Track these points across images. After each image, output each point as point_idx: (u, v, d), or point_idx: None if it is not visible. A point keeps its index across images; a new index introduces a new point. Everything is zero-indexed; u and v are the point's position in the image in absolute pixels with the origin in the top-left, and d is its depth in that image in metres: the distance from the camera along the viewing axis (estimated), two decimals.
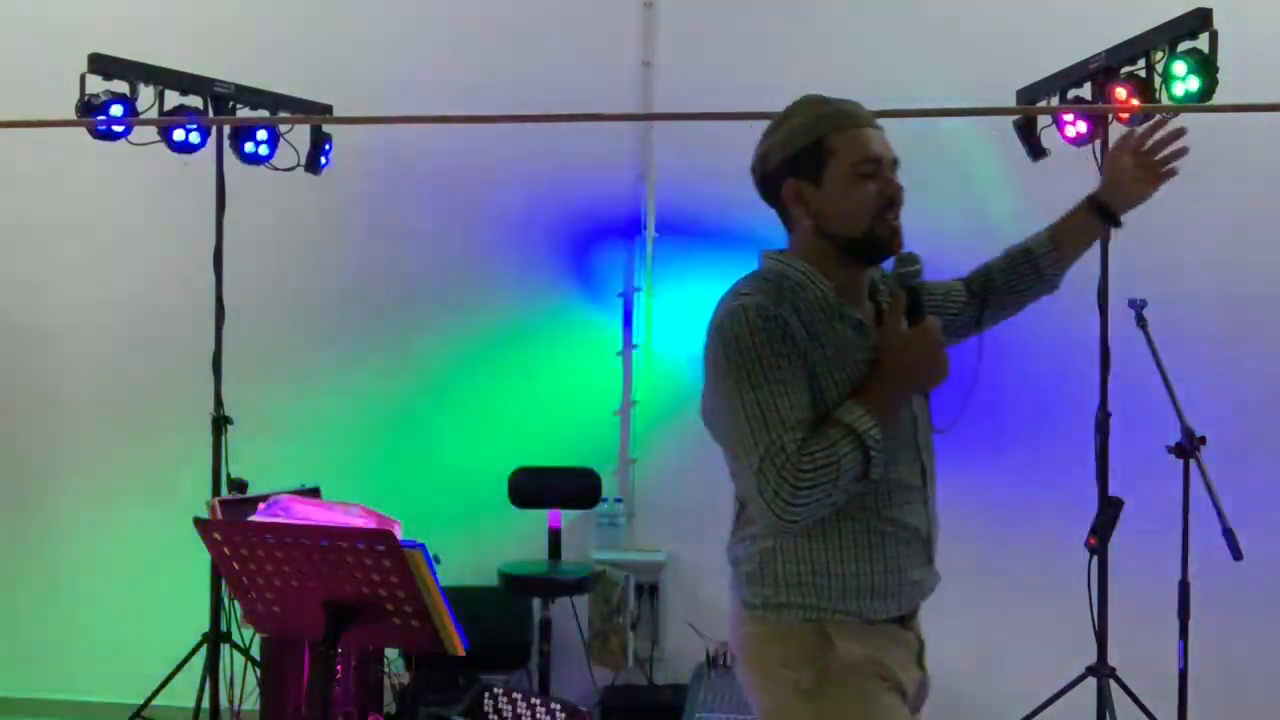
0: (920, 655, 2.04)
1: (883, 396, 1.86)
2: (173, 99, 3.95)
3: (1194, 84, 3.23)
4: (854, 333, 1.94)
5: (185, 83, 3.95)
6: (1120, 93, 3.50)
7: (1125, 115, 3.48)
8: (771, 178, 2.00)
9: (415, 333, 4.53)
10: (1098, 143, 3.68)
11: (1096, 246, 3.66)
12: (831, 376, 1.88)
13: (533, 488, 4.30)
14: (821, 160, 1.94)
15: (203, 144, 4.06)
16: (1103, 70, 3.58)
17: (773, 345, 1.84)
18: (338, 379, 4.57)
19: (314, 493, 3.52)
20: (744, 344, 1.85)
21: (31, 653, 4.61)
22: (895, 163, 1.98)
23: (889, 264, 2.01)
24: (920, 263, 1.96)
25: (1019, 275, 2.31)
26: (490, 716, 3.65)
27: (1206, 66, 3.21)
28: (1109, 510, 3.55)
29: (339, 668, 3.37)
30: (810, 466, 1.78)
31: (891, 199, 1.93)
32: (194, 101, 3.99)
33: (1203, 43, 3.25)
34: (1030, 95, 3.87)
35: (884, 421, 1.84)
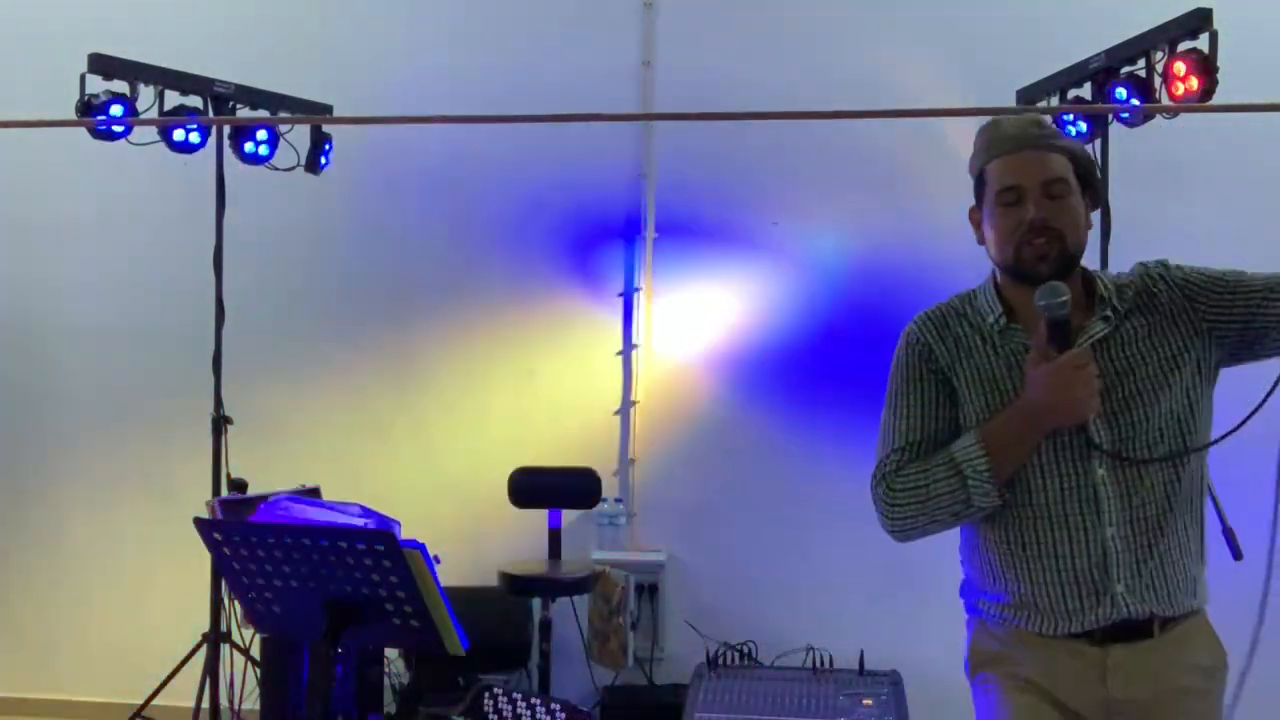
0: (1105, 675, 1.96)
1: (1006, 428, 1.94)
2: (173, 99, 3.95)
3: (1194, 84, 3.23)
4: (1011, 355, 2.02)
5: (185, 83, 3.95)
6: (1120, 93, 3.50)
7: (1125, 115, 3.48)
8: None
9: (415, 332, 4.53)
10: (1098, 143, 3.68)
11: (1097, 246, 3.67)
12: (972, 401, 1.99)
13: (533, 488, 4.29)
14: (982, 189, 2.05)
15: (203, 144, 4.06)
16: (1103, 70, 3.58)
17: (909, 370, 2.06)
18: (338, 379, 4.57)
19: (314, 493, 3.52)
20: (893, 366, 2.10)
21: (31, 653, 4.62)
22: (1054, 183, 1.97)
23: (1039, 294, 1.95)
24: (1065, 293, 1.92)
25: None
26: (490, 716, 3.65)
27: (1206, 66, 3.21)
28: None
29: (339, 668, 3.37)
30: (901, 486, 2.00)
31: (1031, 225, 1.95)
32: (194, 101, 3.99)
33: (1203, 43, 3.25)
34: (1030, 95, 3.87)
35: (1004, 453, 1.93)
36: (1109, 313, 2.01)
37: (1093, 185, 2.05)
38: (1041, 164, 1.97)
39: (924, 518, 1.99)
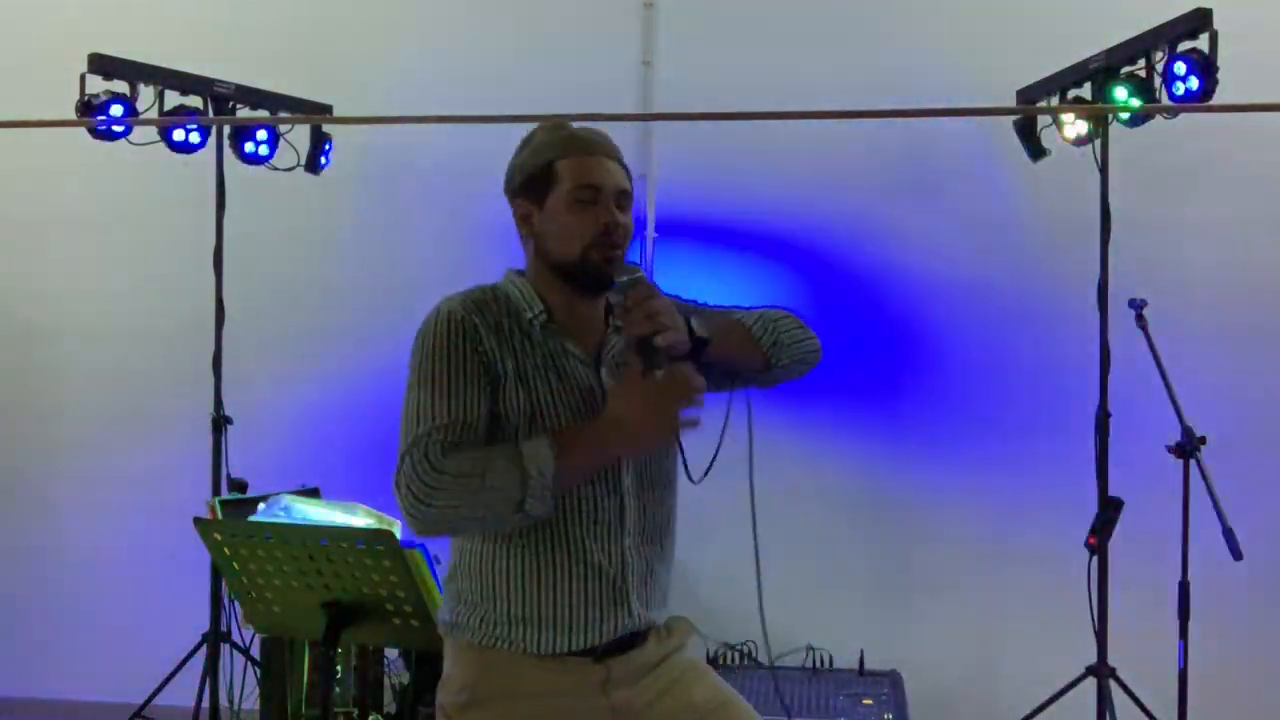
0: (607, 685, 1.94)
1: (581, 438, 1.84)
2: (173, 99, 3.95)
3: (1194, 84, 3.23)
4: (567, 361, 1.92)
5: (185, 83, 3.95)
6: (1120, 93, 3.50)
7: (1125, 115, 3.49)
8: (509, 195, 2.02)
9: (415, 332, 4.52)
10: (1098, 143, 3.68)
11: (1096, 246, 3.67)
12: (512, 398, 1.88)
13: None
14: (547, 184, 1.94)
15: (203, 144, 4.06)
16: (1103, 70, 3.58)
17: (453, 350, 1.87)
18: (338, 379, 4.56)
19: (314, 493, 3.52)
20: (427, 344, 1.90)
21: (31, 653, 4.61)
22: (624, 194, 1.96)
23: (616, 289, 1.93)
24: (639, 271, 1.92)
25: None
26: None
27: (1206, 66, 3.21)
28: (1109, 510, 3.55)
29: (339, 668, 3.37)
30: (451, 470, 1.76)
31: (607, 228, 1.90)
32: (194, 101, 3.99)
33: (1203, 43, 3.25)
34: (1030, 95, 3.87)
35: (573, 464, 1.81)
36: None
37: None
38: (617, 174, 1.95)
39: (465, 510, 1.77)
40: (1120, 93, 3.49)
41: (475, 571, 1.92)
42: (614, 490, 1.92)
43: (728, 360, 2.01)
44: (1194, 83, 3.23)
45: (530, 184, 1.96)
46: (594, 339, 1.99)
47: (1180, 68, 3.27)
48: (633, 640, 1.96)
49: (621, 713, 1.94)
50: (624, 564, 1.92)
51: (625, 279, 1.89)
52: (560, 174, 1.93)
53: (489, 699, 1.90)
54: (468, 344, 1.88)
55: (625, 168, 1.99)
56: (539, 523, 1.84)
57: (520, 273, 2.04)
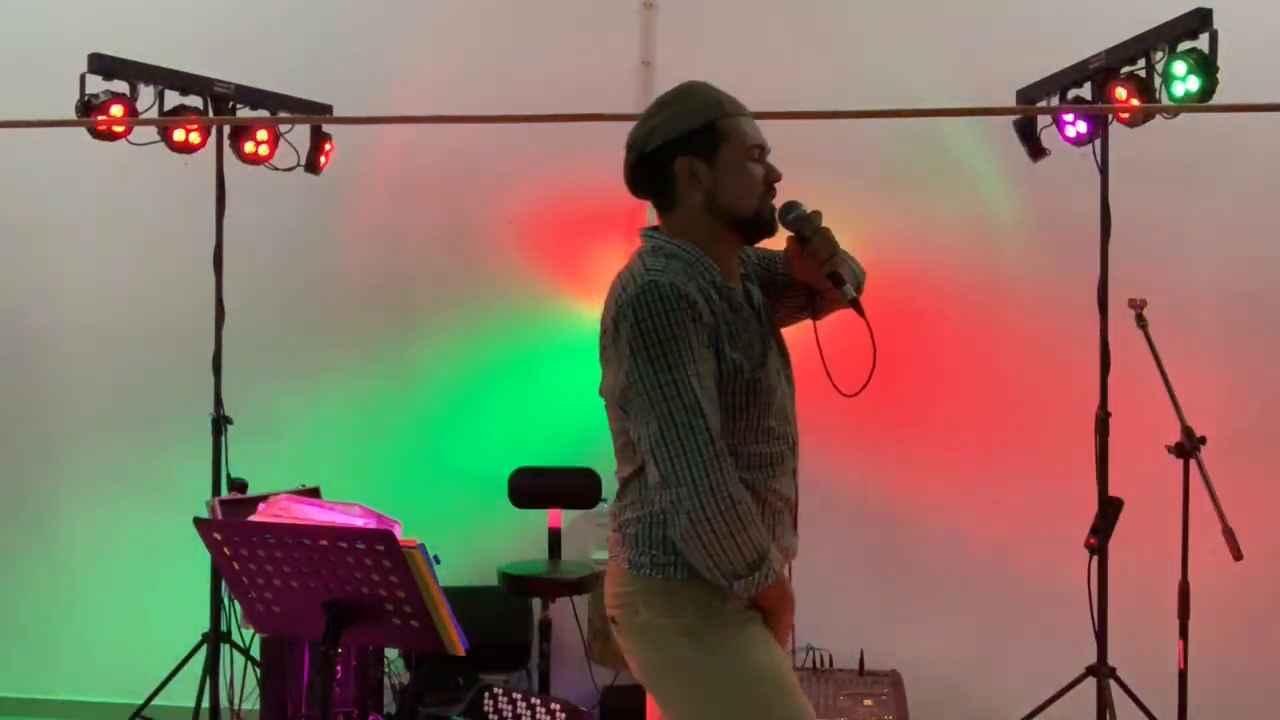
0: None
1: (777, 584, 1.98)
2: (173, 99, 3.95)
3: (1194, 84, 3.22)
4: (734, 311, 2.02)
5: (185, 83, 3.95)
6: (1120, 93, 3.50)
7: (1125, 115, 3.48)
8: (659, 154, 2.06)
9: (415, 332, 4.53)
10: (1098, 143, 3.68)
11: (1096, 246, 3.67)
12: (729, 354, 1.95)
13: (533, 488, 4.29)
14: (714, 142, 2.03)
15: (203, 144, 4.06)
16: (1103, 70, 3.58)
17: (686, 325, 1.89)
18: (338, 379, 4.57)
19: (314, 493, 3.52)
20: (659, 322, 1.89)
21: (31, 653, 4.62)
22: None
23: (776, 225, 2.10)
24: (801, 205, 2.08)
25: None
26: (490, 716, 3.65)
27: (1206, 66, 3.21)
28: (1109, 510, 3.55)
29: (339, 668, 3.37)
30: (738, 499, 1.87)
31: (771, 183, 2.07)
32: (194, 101, 3.99)
33: (1203, 43, 3.25)
34: (1030, 95, 3.87)
35: (770, 589, 1.95)
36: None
37: None
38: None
39: (718, 545, 1.87)
40: (1120, 93, 3.49)
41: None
42: (788, 429, 2.11)
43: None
44: (1194, 83, 3.23)
45: (692, 141, 2.03)
46: (739, 287, 2.10)
47: (1180, 68, 3.26)
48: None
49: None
50: (796, 491, 2.13)
51: (799, 208, 2.07)
52: (727, 132, 2.03)
53: (724, 613, 1.98)
54: (695, 324, 1.91)
55: None
56: (757, 468, 2.00)
57: (657, 230, 2.10)
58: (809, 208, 2.08)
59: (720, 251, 2.05)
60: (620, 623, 2.11)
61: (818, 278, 2.08)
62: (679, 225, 2.07)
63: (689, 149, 2.02)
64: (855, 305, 2.06)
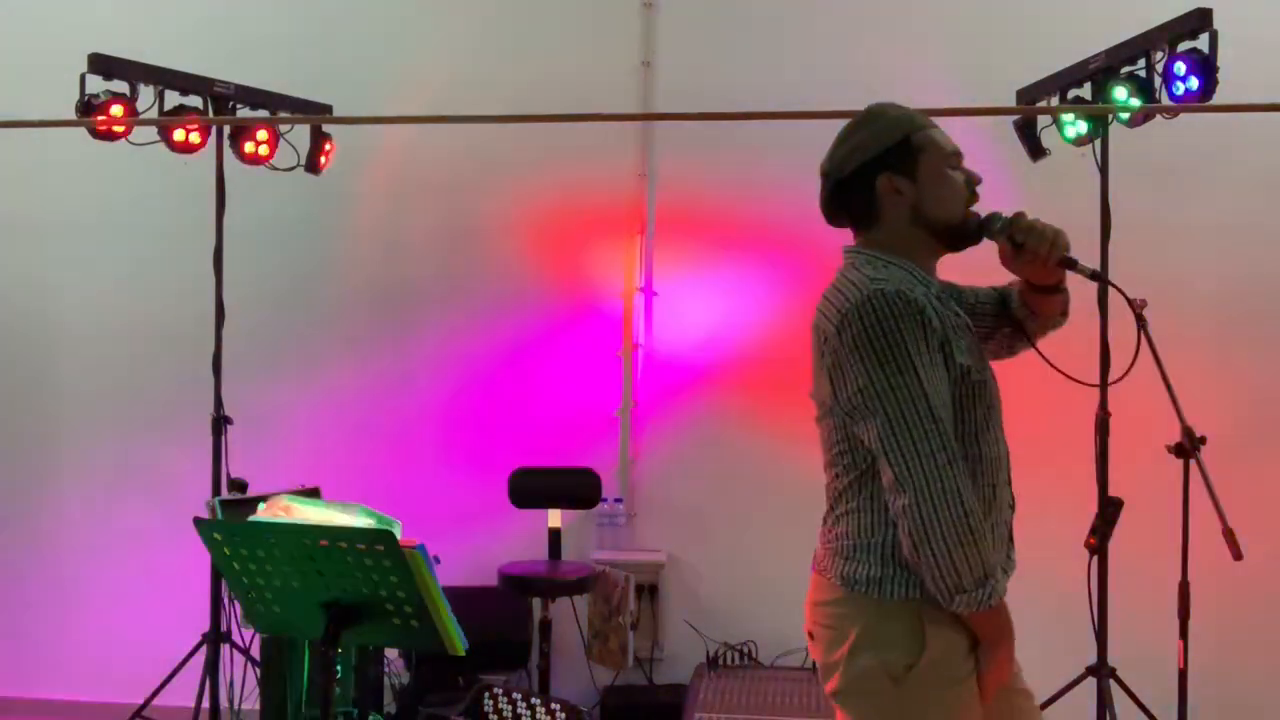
0: None
1: (998, 618, 1.93)
2: (173, 99, 3.94)
3: (1194, 84, 3.23)
4: (955, 317, 2.05)
5: (185, 83, 3.95)
6: (1120, 93, 3.50)
7: (1125, 115, 3.48)
8: (861, 175, 2.06)
9: (415, 332, 4.53)
10: (1098, 143, 3.68)
11: (1096, 246, 3.67)
12: (957, 358, 1.96)
13: (533, 488, 4.29)
14: (913, 155, 2.05)
15: (203, 144, 4.06)
16: (1103, 70, 3.58)
17: (915, 330, 1.90)
18: (338, 379, 4.57)
19: (314, 493, 3.52)
20: (888, 326, 1.89)
21: (31, 653, 4.61)
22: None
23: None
24: (1000, 213, 2.10)
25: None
26: (490, 716, 3.65)
27: (1206, 66, 3.21)
28: (1109, 510, 3.55)
29: (339, 668, 3.37)
30: (971, 513, 1.85)
31: (973, 186, 2.10)
32: (194, 101, 3.99)
33: (1203, 43, 3.25)
34: (1030, 95, 3.87)
35: (989, 618, 1.91)
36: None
37: None
38: None
39: (947, 552, 1.84)
40: (1120, 93, 3.49)
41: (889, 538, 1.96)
42: (1001, 440, 2.09)
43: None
44: (1194, 83, 3.23)
45: (891, 158, 2.04)
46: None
47: (1180, 68, 3.27)
48: None
49: None
50: (1012, 506, 2.10)
51: (1001, 217, 2.09)
52: (923, 144, 2.05)
53: (929, 664, 1.92)
54: (932, 336, 1.93)
55: None
56: (988, 470, 1.98)
57: (863, 248, 2.10)
58: (1007, 212, 2.10)
59: (928, 264, 2.10)
60: (819, 640, 2.12)
61: (1046, 273, 2.12)
62: (885, 241, 2.07)
63: (888, 166, 2.04)
64: (1099, 278, 2.11)
